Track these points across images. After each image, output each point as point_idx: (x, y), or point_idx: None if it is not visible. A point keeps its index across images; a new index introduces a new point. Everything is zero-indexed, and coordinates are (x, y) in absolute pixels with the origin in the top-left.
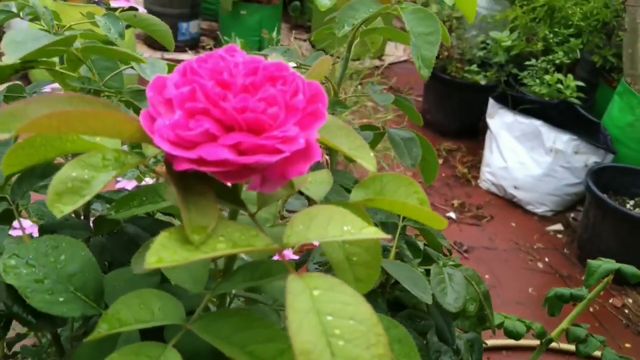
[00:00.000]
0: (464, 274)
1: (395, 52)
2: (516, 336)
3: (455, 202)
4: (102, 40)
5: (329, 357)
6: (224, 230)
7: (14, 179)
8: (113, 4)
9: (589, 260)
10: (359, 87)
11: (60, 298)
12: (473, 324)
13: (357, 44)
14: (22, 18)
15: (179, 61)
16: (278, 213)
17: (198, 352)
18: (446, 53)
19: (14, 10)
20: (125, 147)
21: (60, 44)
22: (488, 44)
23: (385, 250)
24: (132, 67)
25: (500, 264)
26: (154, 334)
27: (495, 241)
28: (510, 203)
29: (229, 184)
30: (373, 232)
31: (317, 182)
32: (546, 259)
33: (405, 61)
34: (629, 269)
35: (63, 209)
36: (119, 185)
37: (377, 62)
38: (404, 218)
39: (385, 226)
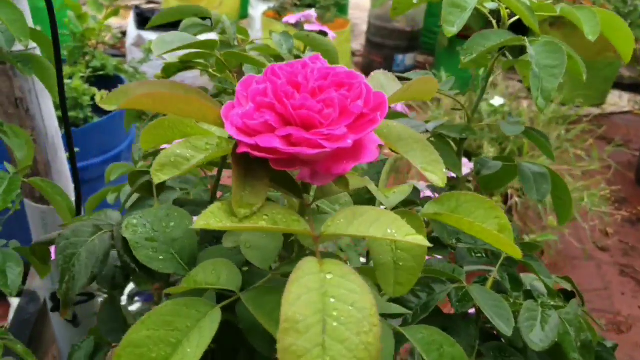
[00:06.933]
0: (563, 317)
1: (618, 102)
2: None
3: None
4: (273, 55)
5: (319, 332)
6: (269, 211)
7: None
8: (307, 28)
9: None
10: (563, 132)
11: (160, 256)
12: None
13: (568, 89)
14: (215, 32)
15: None
16: None
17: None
18: None
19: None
20: None
21: (199, 46)
22: None
23: (485, 280)
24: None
25: None
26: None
27: None
28: None
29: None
30: (417, 239)
31: (398, 193)
32: None
33: (627, 112)
34: None
35: (161, 177)
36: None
37: (594, 110)
38: None
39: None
